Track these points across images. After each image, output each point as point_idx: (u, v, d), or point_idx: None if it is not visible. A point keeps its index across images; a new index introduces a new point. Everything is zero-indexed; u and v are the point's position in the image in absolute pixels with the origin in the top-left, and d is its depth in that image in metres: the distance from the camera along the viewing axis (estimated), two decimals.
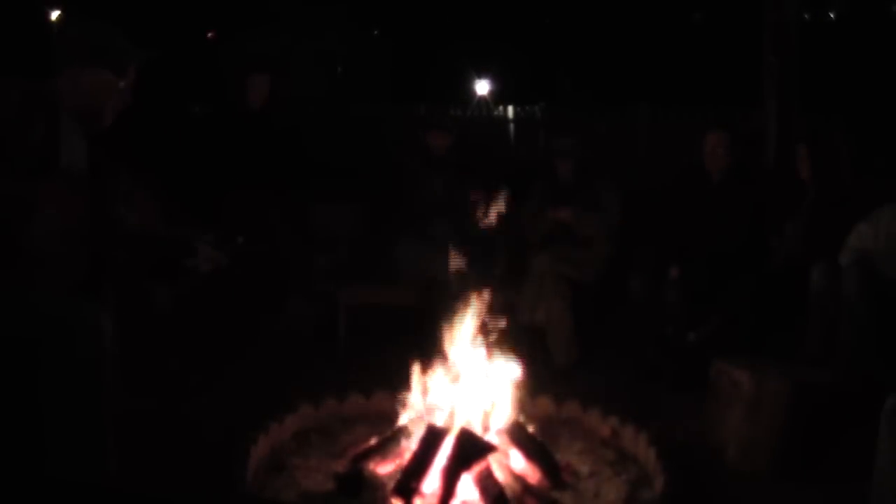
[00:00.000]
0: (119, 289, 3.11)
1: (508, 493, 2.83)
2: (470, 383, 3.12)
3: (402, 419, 3.15)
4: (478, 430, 3.01)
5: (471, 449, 2.87)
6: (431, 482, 2.82)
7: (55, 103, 2.60)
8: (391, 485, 2.84)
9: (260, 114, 4.88)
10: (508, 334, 3.25)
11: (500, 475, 2.88)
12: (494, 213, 4.58)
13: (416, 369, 3.20)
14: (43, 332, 2.42)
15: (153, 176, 3.53)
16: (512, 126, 12.49)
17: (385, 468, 2.98)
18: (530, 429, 3.14)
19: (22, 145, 2.47)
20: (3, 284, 2.47)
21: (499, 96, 14.86)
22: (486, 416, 3.08)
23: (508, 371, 3.16)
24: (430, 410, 3.10)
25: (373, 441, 3.11)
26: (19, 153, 2.46)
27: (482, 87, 14.92)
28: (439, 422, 3.03)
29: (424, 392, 3.17)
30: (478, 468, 2.85)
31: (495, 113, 12.85)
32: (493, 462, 2.90)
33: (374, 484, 2.92)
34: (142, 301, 3.60)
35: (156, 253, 2.73)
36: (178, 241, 2.75)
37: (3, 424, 2.48)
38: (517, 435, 3.06)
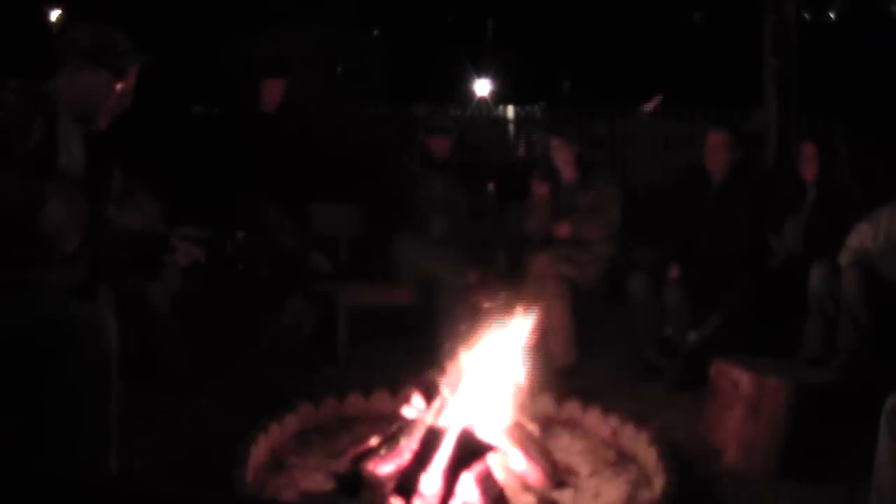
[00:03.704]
0: (116, 288, 3.11)
1: (508, 493, 2.83)
2: (470, 383, 3.12)
3: (402, 419, 3.14)
4: (478, 430, 3.01)
5: (471, 449, 2.87)
6: (431, 482, 2.82)
7: (54, 103, 2.60)
8: (391, 485, 2.84)
9: (272, 116, 4.90)
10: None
11: (500, 475, 2.88)
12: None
13: (416, 369, 3.20)
14: (51, 334, 2.42)
15: (156, 176, 3.53)
16: (512, 126, 12.55)
17: (385, 468, 2.98)
18: (530, 429, 3.13)
19: (22, 145, 2.47)
20: (10, 285, 2.47)
21: (499, 96, 14.88)
22: (487, 416, 3.08)
23: (510, 371, 3.16)
24: (430, 410, 3.10)
25: (373, 441, 3.11)
26: (19, 153, 2.46)
27: (482, 87, 14.95)
28: (439, 422, 3.03)
29: (425, 392, 3.16)
30: (478, 468, 2.85)
31: (495, 113, 12.90)
32: (493, 462, 2.90)
33: (374, 484, 2.92)
34: (140, 301, 3.60)
35: (133, 249, 2.72)
36: (155, 237, 2.75)
37: (11, 424, 2.48)
38: (517, 435, 3.06)
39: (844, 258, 3.86)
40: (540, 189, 4.65)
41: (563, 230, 4.56)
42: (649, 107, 4.14)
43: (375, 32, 23.28)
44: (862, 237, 3.88)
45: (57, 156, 2.58)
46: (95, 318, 2.50)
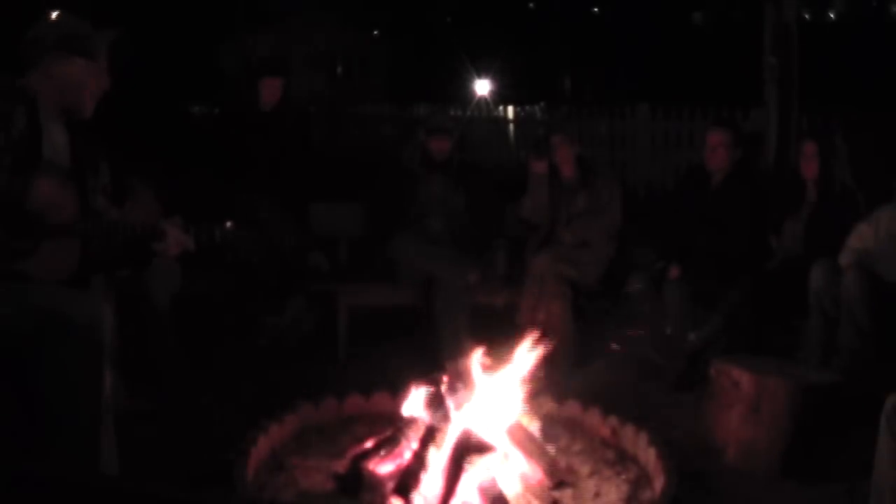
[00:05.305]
0: (114, 283, 3.11)
1: (508, 493, 2.83)
2: (471, 383, 3.12)
3: (402, 419, 3.14)
4: (478, 430, 3.01)
5: (471, 448, 2.87)
6: (431, 482, 2.82)
7: (33, 97, 2.61)
8: (391, 485, 2.84)
9: (270, 115, 4.92)
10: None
11: (500, 475, 2.88)
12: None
13: (416, 369, 3.19)
14: (42, 324, 2.42)
15: (152, 172, 3.53)
16: (512, 126, 12.53)
17: (385, 468, 2.98)
18: (531, 429, 3.13)
19: (5, 137, 2.48)
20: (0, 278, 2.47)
21: (499, 96, 14.87)
22: (487, 416, 3.08)
23: (510, 371, 3.16)
24: (431, 410, 3.09)
25: (373, 441, 3.11)
26: (3, 143, 2.47)
27: (482, 87, 14.91)
28: (439, 422, 3.03)
29: (426, 392, 3.16)
30: (478, 469, 2.84)
31: (495, 113, 12.89)
32: (494, 462, 2.90)
33: (374, 484, 2.92)
34: (141, 300, 3.60)
35: (123, 238, 2.73)
36: (145, 225, 2.75)
37: (2, 415, 2.48)
38: (517, 435, 3.06)
39: (844, 258, 3.86)
40: (538, 167, 4.65)
41: (566, 236, 4.58)
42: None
43: (375, 32, 23.29)
44: (862, 237, 3.87)
45: (41, 150, 2.58)
46: (87, 309, 2.50)
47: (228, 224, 2.86)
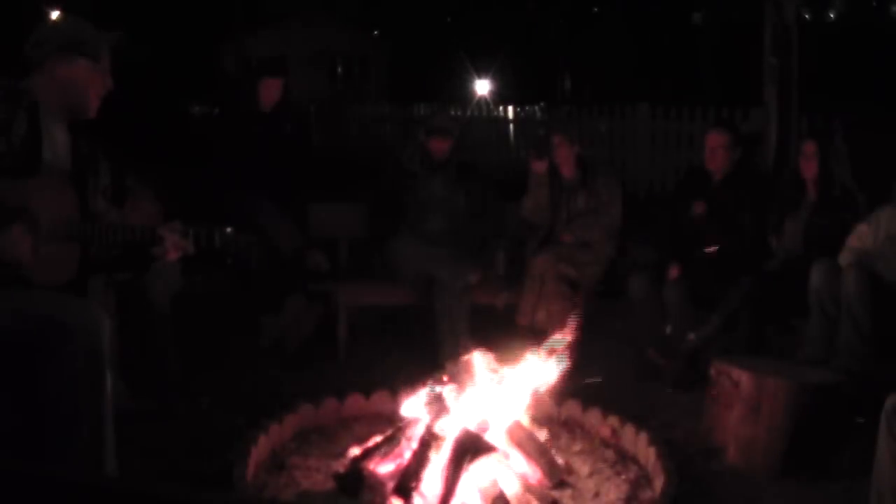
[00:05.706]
0: (114, 286, 3.10)
1: (508, 493, 2.83)
2: (471, 383, 3.12)
3: (403, 419, 3.14)
4: (478, 430, 3.01)
5: (471, 449, 2.87)
6: (431, 482, 2.82)
7: (35, 100, 2.61)
8: (391, 485, 2.84)
9: (270, 115, 4.92)
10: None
11: (500, 475, 2.88)
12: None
13: (416, 369, 3.19)
14: (43, 331, 2.42)
15: (154, 172, 3.53)
16: (512, 126, 12.54)
17: (385, 468, 2.98)
18: (531, 429, 3.13)
19: (6, 141, 2.48)
20: (0, 283, 2.47)
21: (499, 96, 14.88)
22: (487, 416, 3.08)
23: (511, 372, 3.16)
24: (430, 410, 3.10)
25: (373, 441, 3.11)
26: (4, 149, 2.47)
27: (482, 87, 14.93)
28: (440, 422, 3.03)
29: (426, 391, 3.16)
30: (478, 469, 2.84)
31: (495, 113, 12.90)
32: (494, 462, 2.90)
33: (374, 484, 2.92)
34: (141, 301, 3.60)
35: (122, 242, 2.73)
36: (144, 230, 2.75)
37: (3, 423, 2.48)
38: (517, 435, 3.06)
39: (844, 258, 3.86)
40: (538, 167, 4.65)
41: (565, 237, 4.58)
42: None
43: (375, 32, 23.32)
44: (862, 237, 3.87)
45: (41, 151, 2.58)
46: (87, 315, 2.50)
47: (228, 229, 2.86)
